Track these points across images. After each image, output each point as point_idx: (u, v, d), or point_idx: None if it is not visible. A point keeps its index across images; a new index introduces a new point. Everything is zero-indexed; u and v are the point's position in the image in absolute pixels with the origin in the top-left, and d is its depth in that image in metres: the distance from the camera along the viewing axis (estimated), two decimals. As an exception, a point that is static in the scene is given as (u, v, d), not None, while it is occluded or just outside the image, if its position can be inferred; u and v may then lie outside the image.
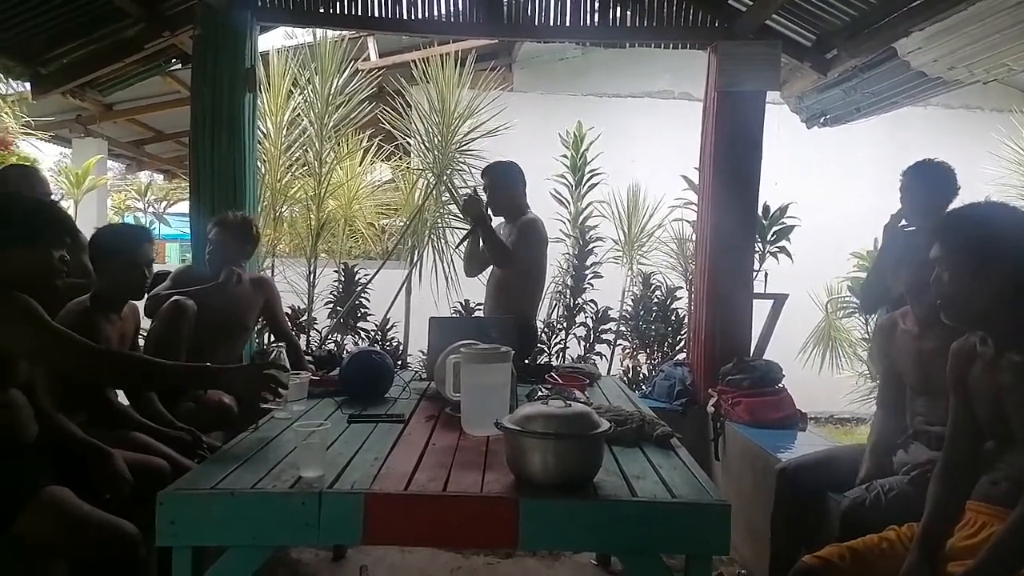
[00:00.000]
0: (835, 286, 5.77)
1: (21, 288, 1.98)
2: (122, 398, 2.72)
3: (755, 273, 4.26)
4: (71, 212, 6.69)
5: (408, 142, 5.41)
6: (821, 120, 4.91)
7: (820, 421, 6.42)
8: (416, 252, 5.10)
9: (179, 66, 4.45)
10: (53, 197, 3.78)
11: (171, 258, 11.65)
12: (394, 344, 4.69)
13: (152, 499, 1.62)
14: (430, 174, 5.11)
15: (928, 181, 2.89)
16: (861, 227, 4.64)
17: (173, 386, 1.91)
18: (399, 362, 4.34)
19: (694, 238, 4.58)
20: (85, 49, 4.06)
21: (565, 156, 5.07)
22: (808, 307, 5.83)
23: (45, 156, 7.82)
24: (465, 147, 5.05)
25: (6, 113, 4.91)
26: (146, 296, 2.91)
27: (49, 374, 2.18)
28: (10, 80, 4.03)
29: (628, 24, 4.12)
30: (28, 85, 4.18)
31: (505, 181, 3.70)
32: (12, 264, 1.94)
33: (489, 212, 3.63)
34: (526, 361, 3.67)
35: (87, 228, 2.80)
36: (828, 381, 5.40)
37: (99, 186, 7.29)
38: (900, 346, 2.32)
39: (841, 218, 6.63)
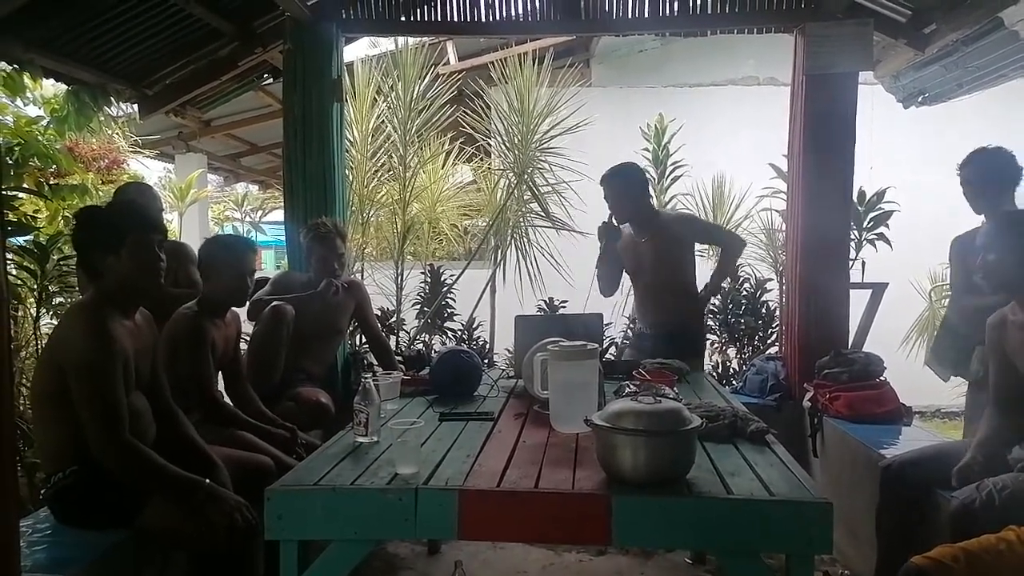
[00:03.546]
0: (939, 273, 5.47)
1: (131, 294, 2.10)
2: (227, 401, 2.88)
3: (851, 262, 4.09)
4: (176, 224, 7.10)
5: (488, 143, 5.47)
6: (919, 99, 4.65)
7: (926, 416, 6.09)
8: (499, 252, 5.15)
9: (271, 80, 4.65)
10: (163, 211, 4.04)
11: (267, 264, 12.17)
12: (480, 343, 4.76)
13: (260, 496, 1.71)
14: (511, 174, 5.15)
15: (990, 169, 2.82)
16: (966, 210, 4.38)
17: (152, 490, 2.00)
18: (486, 360, 4.40)
19: (784, 228, 4.44)
20: (185, 69, 4.30)
21: (647, 150, 5.01)
22: (910, 295, 5.55)
23: (151, 172, 8.31)
24: (545, 145, 5.06)
25: (117, 134, 5.26)
26: (248, 302, 3.07)
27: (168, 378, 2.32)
28: (120, 103, 4.30)
29: (709, 11, 4.02)
30: (136, 106, 4.47)
31: (628, 188, 3.48)
32: (112, 275, 2.05)
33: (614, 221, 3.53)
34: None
35: (191, 239, 2.98)
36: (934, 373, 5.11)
37: (201, 199, 7.69)
38: (1011, 338, 2.20)
39: (944, 201, 6.25)
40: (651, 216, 3.57)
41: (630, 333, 4.70)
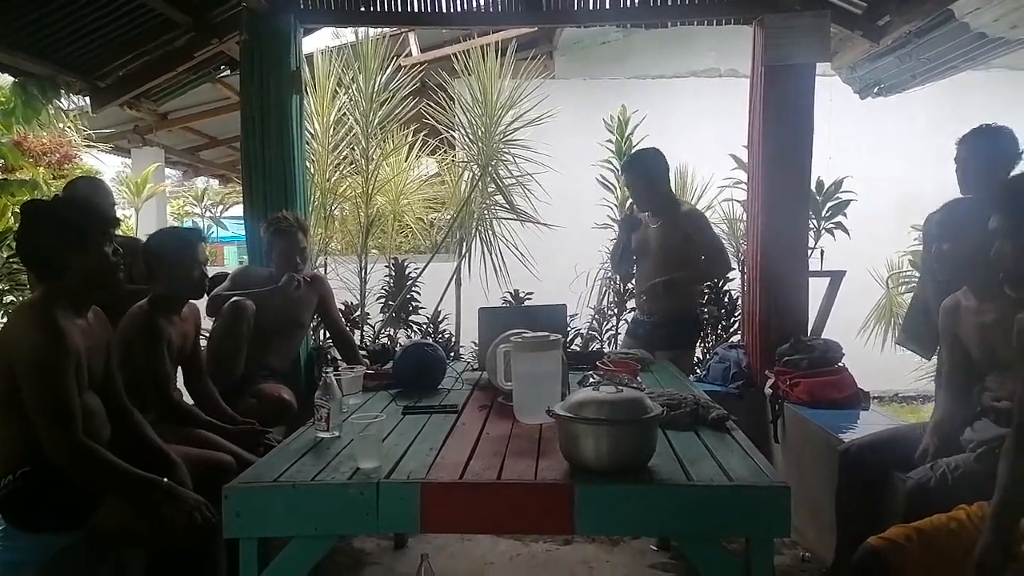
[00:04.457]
0: (895, 260, 5.58)
1: (92, 289, 2.05)
2: (187, 398, 2.83)
3: (810, 251, 4.16)
4: (132, 220, 6.95)
5: (452, 135, 5.44)
6: (875, 90, 4.74)
7: (884, 400, 6.23)
8: (464, 244, 5.12)
9: (228, 72, 4.57)
10: (116, 206, 3.94)
11: (229, 260, 11.96)
12: (446, 336, 4.73)
13: (219, 494, 1.68)
14: (475, 166, 5.13)
15: (989, 148, 2.70)
16: (922, 199, 4.48)
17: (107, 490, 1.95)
18: (451, 353, 4.38)
19: (745, 218, 4.49)
20: (139, 61, 4.19)
21: (610, 141, 5.02)
22: (868, 283, 5.66)
23: (107, 167, 8.13)
24: (509, 137, 5.04)
25: (69, 127, 5.13)
26: (207, 297, 3.01)
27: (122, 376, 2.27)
28: (71, 95, 4.18)
29: (670, 2, 4.04)
30: (87, 99, 4.35)
31: (649, 176, 3.52)
32: (72, 273, 1.99)
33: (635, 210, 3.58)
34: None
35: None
36: (891, 358, 5.21)
37: (158, 193, 7.54)
38: (963, 324, 2.24)
39: (900, 190, 6.40)
40: (669, 204, 3.60)
41: (594, 324, 4.74)
